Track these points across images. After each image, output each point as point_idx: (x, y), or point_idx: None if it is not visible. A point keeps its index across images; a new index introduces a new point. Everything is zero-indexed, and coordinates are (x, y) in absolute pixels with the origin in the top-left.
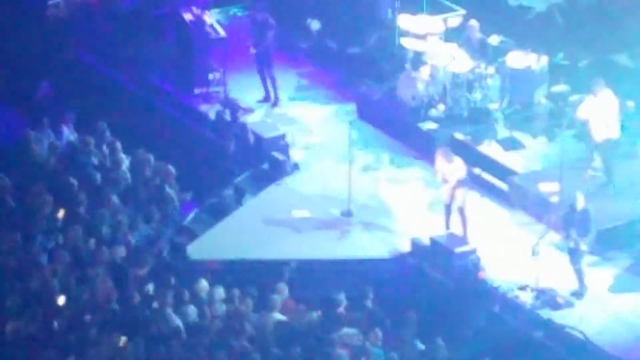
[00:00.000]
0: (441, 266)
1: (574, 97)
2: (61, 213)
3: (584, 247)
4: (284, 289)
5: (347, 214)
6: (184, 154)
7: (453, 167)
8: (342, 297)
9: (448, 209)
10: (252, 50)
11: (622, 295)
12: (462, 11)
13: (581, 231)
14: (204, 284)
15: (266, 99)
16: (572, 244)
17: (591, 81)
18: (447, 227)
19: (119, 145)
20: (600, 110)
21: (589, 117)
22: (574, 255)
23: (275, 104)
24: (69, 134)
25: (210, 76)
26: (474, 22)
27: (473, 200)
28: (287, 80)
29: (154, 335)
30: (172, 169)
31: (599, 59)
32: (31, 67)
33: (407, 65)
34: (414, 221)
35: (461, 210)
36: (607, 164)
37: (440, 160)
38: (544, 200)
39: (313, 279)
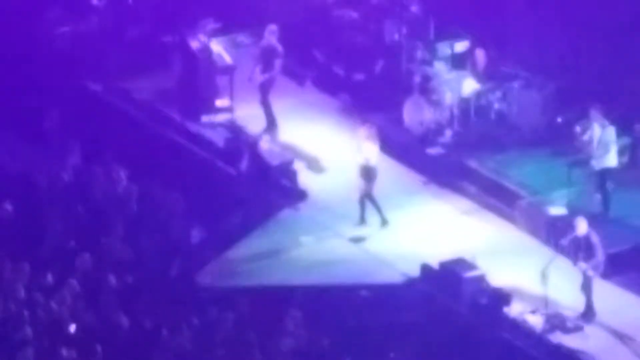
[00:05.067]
0: (451, 291)
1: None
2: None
3: (589, 272)
4: (294, 315)
5: (356, 239)
6: (191, 181)
7: (365, 147)
8: None
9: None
10: (258, 78)
11: (629, 318)
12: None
13: (587, 255)
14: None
15: (272, 126)
16: (579, 268)
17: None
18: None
19: (125, 174)
20: (597, 138)
21: (588, 145)
22: (582, 279)
23: (273, 130)
24: (76, 163)
25: (217, 103)
26: (480, 49)
27: (481, 224)
28: (293, 107)
29: None
30: (179, 197)
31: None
32: (38, 96)
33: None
34: (424, 247)
35: (370, 197)
36: (603, 192)
37: (361, 134)
38: (552, 224)
39: (322, 305)
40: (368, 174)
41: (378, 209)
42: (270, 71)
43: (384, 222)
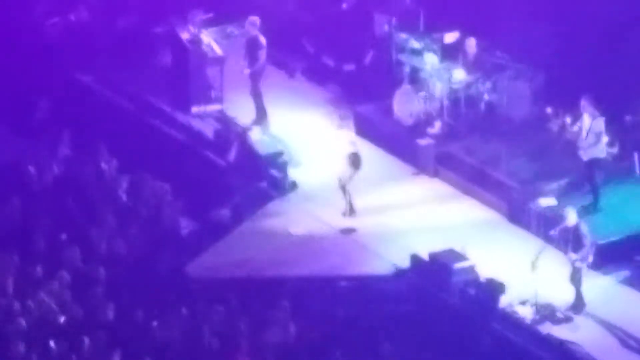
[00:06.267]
0: (440, 282)
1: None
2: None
3: (578, 262)
4: (284, 306)
5: (347, 230)
6: (182, 172)
7: (339, 134)
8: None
9: (342, 187)
10: (246, 71)
11: (619, 309)
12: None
13: (576, 246)
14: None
15: (262, 117)
16: (569, 259)
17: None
18: (348, 204)
19: (115, 165)
20: (587, 129)
21: (578, 136)
22: (572, 270)
23: (263, 121)
24: (66, 153)
25: (208, 95)
26: (471, 39)
27: (471, 215)
28: (283, 98)
29: (152, 353)
30: (168, 188)
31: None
32: (29, 87)
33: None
34: (414, 237)
35: (342, 187)
36: (592, 183)
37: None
38: (542, 215)
39: (312, 296)
40: (352, 162)
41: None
42: (256, 63)
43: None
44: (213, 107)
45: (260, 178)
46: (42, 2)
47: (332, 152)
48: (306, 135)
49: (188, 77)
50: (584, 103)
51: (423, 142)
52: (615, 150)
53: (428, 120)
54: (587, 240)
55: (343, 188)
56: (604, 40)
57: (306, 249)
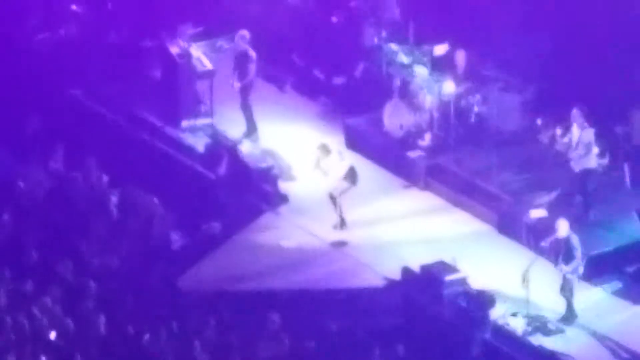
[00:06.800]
0: (432, 294)
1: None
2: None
3: (569, 274)
4: (275, 319)
5: (337, 243)
6: (172, 186)
7: (330, 161)
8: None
9: (333, 200)
10: (236, 84)
11: (611, 320)
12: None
13: (567, 258)
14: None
15: (252, 130)
16: (560, 270)
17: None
18: (340, 217)
19: (106, 179)
20: (577, 140)
21: (568, 147)
22: (563, 281)
23: (253, 134)
24: (57, 168)
25: (198, 108)
26: (460, 52)
27: (462, 227)
28: (273, 112)
29: None
30: (159, 202)
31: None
32: (19, 102)
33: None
34: (405, 249)
35: (333, 199)
36: (583, 194)
37: (318, 153)
38: (533, 226)
39: (303, 309)
40: (349, 176)
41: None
42: (246, 76)
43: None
44: (203, 121)
45: (251, 191)
46: (32, 16)
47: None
48: (296, 149)
49: (178, 91)
50: (574, 114)
51: (413, 154)
52: (605, 161)
53: (418, 133)
54: (578, 252)
55: (334, 200)
56: (594, 52)
57: (297, 262)
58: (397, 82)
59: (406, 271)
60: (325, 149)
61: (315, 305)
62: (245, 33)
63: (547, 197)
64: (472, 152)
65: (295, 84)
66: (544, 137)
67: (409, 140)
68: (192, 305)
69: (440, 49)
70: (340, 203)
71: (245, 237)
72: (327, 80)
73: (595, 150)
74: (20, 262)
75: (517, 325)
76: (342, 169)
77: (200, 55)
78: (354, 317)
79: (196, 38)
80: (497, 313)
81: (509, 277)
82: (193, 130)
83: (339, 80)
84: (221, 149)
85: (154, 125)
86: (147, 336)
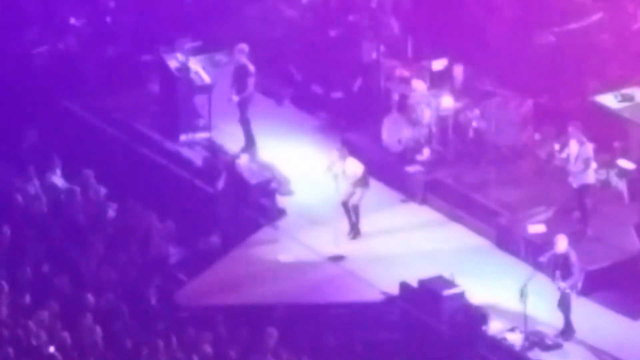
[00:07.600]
0: (430, 309)
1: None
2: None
3: (567, 289)
4: (273, 333)
5: (336, 258)
6: (170, 200)
7: (347, 165)
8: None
9: (346, 206)
10: (235, 98)
11: (608, 336)
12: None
13: (565, 273)
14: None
15: (251, 144)
16: (558, 286)
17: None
18: (350, 224)
19: (104, 192)
20: (575, 155)
21: (565, 162)
22: (561, 296)
23: (252, 149)
24: (55, 182)
25: (196, 122)
26: (459, 66)
27: (460, 242)
28: (272, 126)
29: None
30: (157, 216)
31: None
32: (17, 115)
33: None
34: (403, 264)
35: (355, 208)
36: (581, 209)
37: (334, 157)
38: (532, 241)
39: (301, 324)
40: (363, 181)
41: (357, 219)
42: (245, 90)
43: (357, 233)
44: (201, 135)
45: (249, 206)
46: (30, 30)
47: (321, 180)
48: (295, 163)
49: (176, 105)
50: (572, 129)
51: (412, 169)
52: (603, 176)
53: (417, 148)
54: (577, 268)
55: (355, 209)
56: (587, 65)
57: (295, 276)
58: (395, 97)
59: (404, 286)
60: (342, 153)
61: (313, 320)
62: (244, 47)
63: (545, 213)
64: (471, 167)
65: (294, 98)
66: (542, 152)
67: (407, 155)
68: (189, 320)
69: (438, 64)
70: (358, 211)
71: (243, 251)
72: (326, 95)
73: (594, 165)
74: (18, 275)
75: (515, 340)
76: (358, 172)
77: (198, 69)
78: (352, 332)
79: (194, 52)
80: (495, 328)
81: (507, 292)
82: (191, 144)
83: (337, 95)
84: (219, 163)
85: (152, 139)
86: (145, 350)
